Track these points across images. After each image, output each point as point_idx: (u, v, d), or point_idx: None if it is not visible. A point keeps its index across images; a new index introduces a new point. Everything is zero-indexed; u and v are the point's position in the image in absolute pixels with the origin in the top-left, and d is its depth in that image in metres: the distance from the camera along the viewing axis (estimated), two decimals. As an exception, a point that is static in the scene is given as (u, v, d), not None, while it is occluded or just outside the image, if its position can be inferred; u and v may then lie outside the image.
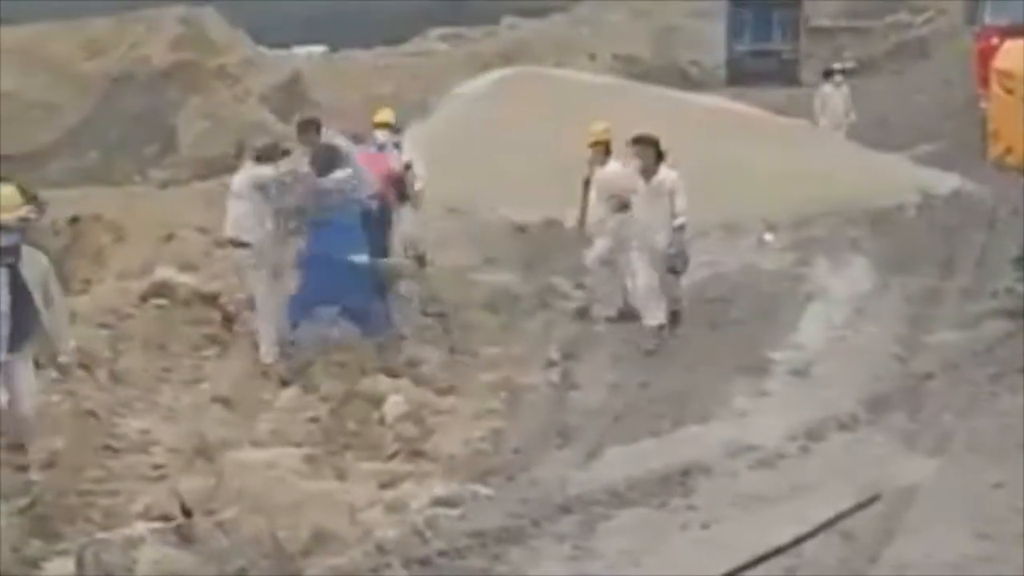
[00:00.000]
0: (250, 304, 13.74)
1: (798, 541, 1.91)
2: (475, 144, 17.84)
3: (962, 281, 15.09)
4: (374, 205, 13.86)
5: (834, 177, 18.09)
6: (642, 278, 13.58)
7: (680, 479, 10.01)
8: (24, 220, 10.27)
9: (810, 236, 16.98)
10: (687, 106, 19.63)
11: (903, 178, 19.38)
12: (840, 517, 1.96)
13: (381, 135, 15.38)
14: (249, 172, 13.49)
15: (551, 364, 13.03)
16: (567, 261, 16.12)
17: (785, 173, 17.79)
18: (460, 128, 18.51)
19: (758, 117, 19.87)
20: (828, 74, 23.67)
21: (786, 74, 32.94)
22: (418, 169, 15.39)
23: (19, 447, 10.30)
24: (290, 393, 12.56)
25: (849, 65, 32.73)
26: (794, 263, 15.98)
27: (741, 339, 13.45)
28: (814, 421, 11.03)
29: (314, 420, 11.92)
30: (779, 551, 1.87)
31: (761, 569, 8.18)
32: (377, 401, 12.15)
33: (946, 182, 19.53)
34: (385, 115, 15.86)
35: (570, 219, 14.62)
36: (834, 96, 22.90)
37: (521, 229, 16.88)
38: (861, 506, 2.25)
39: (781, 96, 25.79)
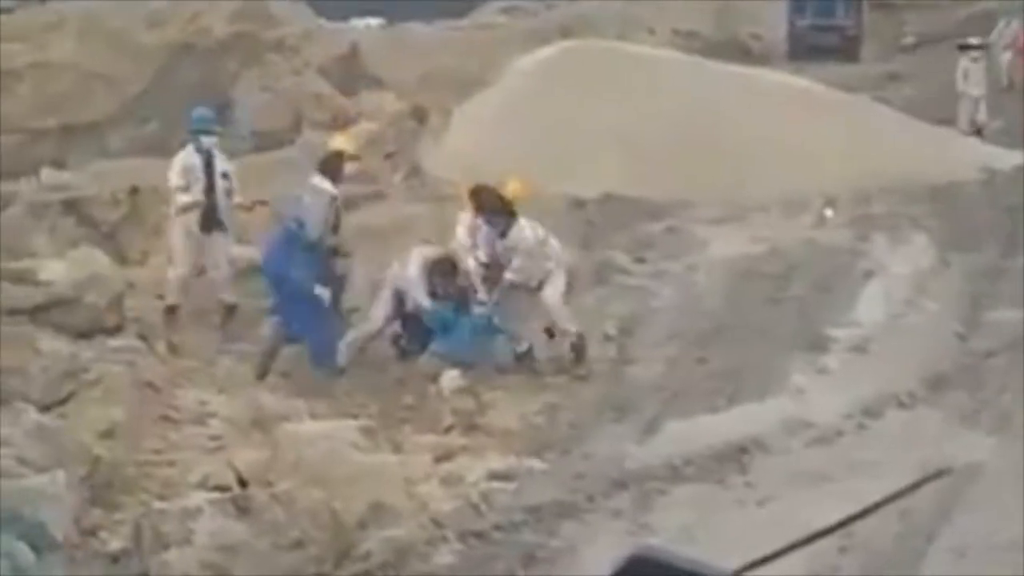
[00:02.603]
0: None
1: (859, 516, 1.90)
2: (534, 118, 17.77)
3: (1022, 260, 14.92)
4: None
5: (895, 153, 17.92)
6: None
7: (737, 456, 9.96)
8: None
9: (870, 212, 16.84)
10: (749, 81, 19.48)
11: (966, 154, 19.18)
12: (904, 492, 1.95)
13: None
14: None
15: (608, 339, 12.99)
16: (625, 236, 16.06)
17: (846, 149, 17.64)
18: (519, 102, 18.45)
19: (820, 92, 19.70)
20: (964, 48, 23.32)
21: (848, 50, 32.67)
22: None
23: None
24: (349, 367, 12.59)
25: (909, 41, 32.44)
26: (854, 239, 15.85)
27: (799, 315, 13.36)
28: (872, 399, 10.95)
29: (371, 393, 11.95)
30: (837, 527, 1.85)
31: (818, 547, 8.12)
32: (433, 375, 12.16)
33: (1010, 158, 19.32)
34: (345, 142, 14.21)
35: None
36: (974, 70, 22.66)
37: (579, 204, 16.82)
38: (927, 480, 2.23)
39: (843, 71, 25.56)
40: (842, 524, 1.69)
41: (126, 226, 16.27)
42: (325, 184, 12.92)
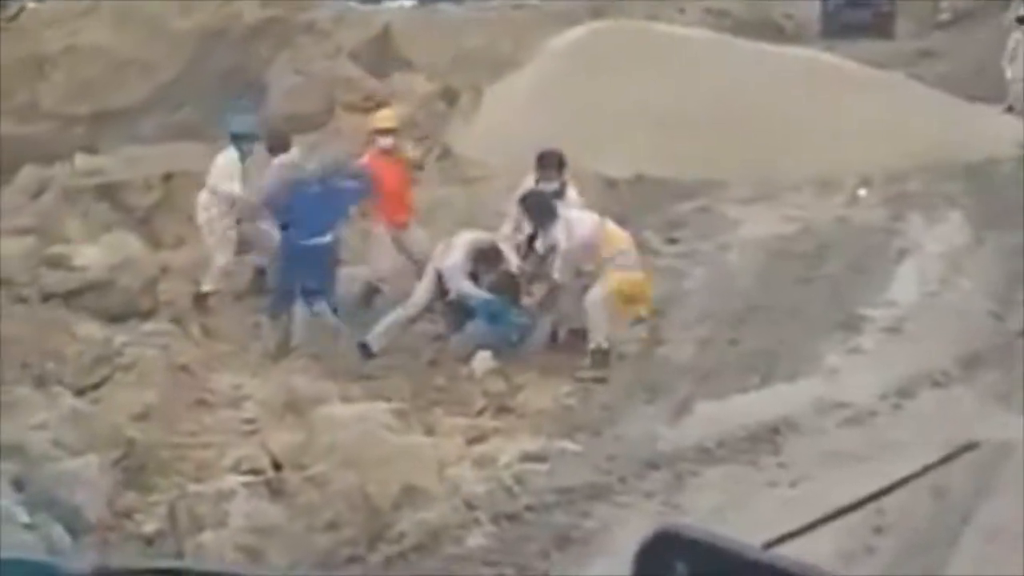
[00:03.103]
0: None
1: (891, 489, 1.88)
2: (565, 99, 17.73)
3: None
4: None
5: (930, 131, 17.80)
6: None
7: (769, 436, 9.95)
8: None
9: (904, 190, 16.73)
10: (781, 59, 19.38)
11: (1001, 131, 19.03)
12: (935, 465, 1.92)
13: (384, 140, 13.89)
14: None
15: (639, 320, 12.96)
16: (656, 217, 16.01)
17: (880, 127, 17.53)
18: (550, 83, 18.41)
19: (854, 70, 19.58)
20: (1021, 20, 22.87)
21: (882, 27, 32.40)
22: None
23: None
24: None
25: (945, 17, 32.15)
26: (888, 218, 15.76)
27: (832, 295, 13.30)
28: (906, 378, 10.91)
29: (404, 375, 11.96)
30: (868, 500, 1.84)
31: (853, 526, 8.11)
32: (465, 357, 12.16)
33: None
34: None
35: None
36: None
37: (611, 184, 16.78)
38: (958, 453, 2.21)
39: (876, 48, 25.38)
40: (874, 497, 1.68)
41: (159, 211, 16.31)
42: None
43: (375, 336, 12.44)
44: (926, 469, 1.66)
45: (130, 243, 14.32)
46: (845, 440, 9.74)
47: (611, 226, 12.49)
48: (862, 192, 16.90)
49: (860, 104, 17.99)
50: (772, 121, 17.16)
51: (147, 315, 13.05)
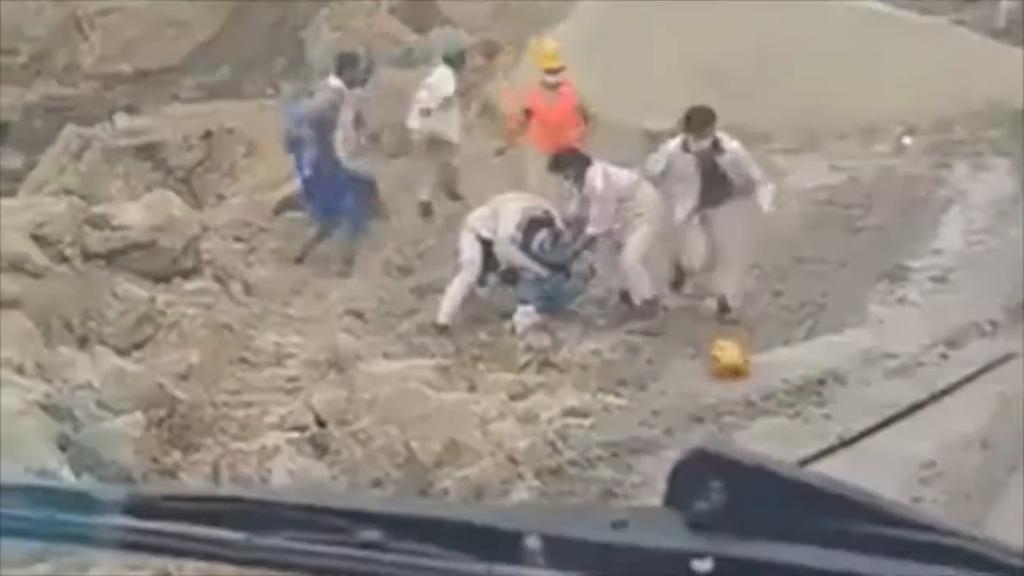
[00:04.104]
0: None
1: (926, 402, 1.84)
2: (607, 53, 17.58)
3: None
4: None
5: (974, 77, 17.57)
6: None
7: (815, 388, 9.87)
8: None
9: (950, 138, 16.53)
10: (823, 7, 19.16)
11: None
12: (972, 376, 1.89)
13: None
14: None
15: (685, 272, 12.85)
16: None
17: (925, 74, 17.32)
18: (592, 37, 18.26)
19: (896, 16, 19.35)
20: None
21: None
22: None
23: None
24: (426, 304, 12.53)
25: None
26: (933, 166, 15.59)
27: (878, 245, 13.17)
28: (953, 329, 10.80)
29: (445, 331, 11.90)
30: (904, 414, 1.80)
31: (900, 477, 8.05)
32: (507, 312, 12.09)
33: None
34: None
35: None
36: None
37: (654, 137, 16.64)
38: (994, 365, 2.16)
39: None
40: (909, 411, 1.68)
41: (200, 170, 16.31)
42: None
43: (445, 314, 12.00)
44: (967, 379, 1.62)
45: (171, 202, 14.29)
46: (892, 391, 9.63)
47: (647, 188, 12.24)
48: (907, 140, 16.72)
49: (904, 51, 17.78)
50: (815, 70, 16.97)
51: (189, 274, 13.03)
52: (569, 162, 12.32)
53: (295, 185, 14.46)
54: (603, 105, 15.10)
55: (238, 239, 14.03)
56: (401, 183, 14.76)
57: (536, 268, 12.09)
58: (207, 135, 16.55)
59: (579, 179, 12.13)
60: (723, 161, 11.69)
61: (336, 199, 13.75)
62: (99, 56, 20.91)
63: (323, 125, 13.68)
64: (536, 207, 12.32)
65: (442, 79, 14.62)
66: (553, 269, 12.15)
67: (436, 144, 14.52)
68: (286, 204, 14.52)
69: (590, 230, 12.10)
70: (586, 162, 12.20)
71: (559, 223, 12.24)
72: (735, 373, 10.33)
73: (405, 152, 15.37)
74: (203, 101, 18.74)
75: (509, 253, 12.13)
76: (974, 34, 19.83)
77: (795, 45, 17.38)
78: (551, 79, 14.07)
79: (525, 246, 12.11)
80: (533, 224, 12.16)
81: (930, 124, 16.80)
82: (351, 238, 13.77)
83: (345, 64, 14.26)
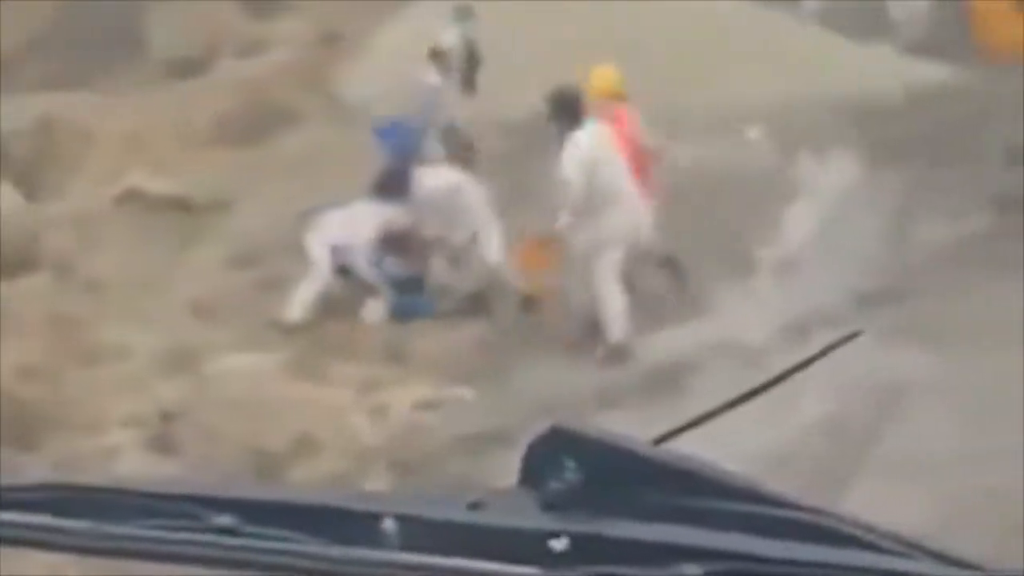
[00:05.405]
0: None
1: (773, 383, 1.83)
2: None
3: (951, 173, 14.91)
4: None
5: (819, 68, 17.86)
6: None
7: (667, 378, 9.92)
8: None
9: (795, 128, 16.75)
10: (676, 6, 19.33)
11: (890, 68, 19.13)
12: (817, 356, 1.89)
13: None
14: None
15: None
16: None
17: (771, 66, 17.55)
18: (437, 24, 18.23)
19: (740, 9, 19.58)
20: None
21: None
22: None
23: None
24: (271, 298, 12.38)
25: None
26: (779, 157, 15.78)
27: (726, 236, 13.28)
28: (800, 318, 10.91)
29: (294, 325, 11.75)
30: (753, 394, 1.80)
31: (748, 463, 8.09)
32: (356, 305, 11.97)
33: (934, 72, 19.26)
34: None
35: None
36: None
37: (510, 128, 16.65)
38: (840, 343, 2.19)
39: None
40: (758, 391, 1.81)
41: (39, 162, 15.92)
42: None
43: (293, 315, 11.76)
44: (812, 359, 1.63)
45: (9, 195, 13.98)
46: (743, 381, 9.67)
47: (471, 187, 12.06)
48: (753, 133, 16.91)
49: (751, 43, 18.01)
50: (658, 62, 17.09)
51: (29, 268, 12.72)
52: (390, 184, 12.15)
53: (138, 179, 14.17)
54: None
55: (78, 231, 13.71)
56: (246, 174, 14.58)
57: (387, 290, 11.90)
58: (44, 125, 16.18)
59: (402, 196, 11.98)
60: None
61: None
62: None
63: None
64: (394, 219, 12.09)
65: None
66: (406, 287, 11.98)
67: None
68: None
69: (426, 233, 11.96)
70: (407, 180, 12.04)
71: (418, 236, 12.06)
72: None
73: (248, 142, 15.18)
74: (40, 92, 18.31)
75: (361, 269, 11.97)
76: (819, 28, 20.16)
77: (641, 37, 17.48)
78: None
79: (378, 262, 11.96)
80: (389, 239, 11.98)
81: (776, 116, 17.01)
82: None
83: None
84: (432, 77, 13.94)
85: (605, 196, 11.29)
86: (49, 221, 13.97)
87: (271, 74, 17.41)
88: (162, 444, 9.32)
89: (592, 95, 11.93)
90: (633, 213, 11.40)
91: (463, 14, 15.19)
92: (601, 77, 12.26)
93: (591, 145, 11.37)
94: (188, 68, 18.17)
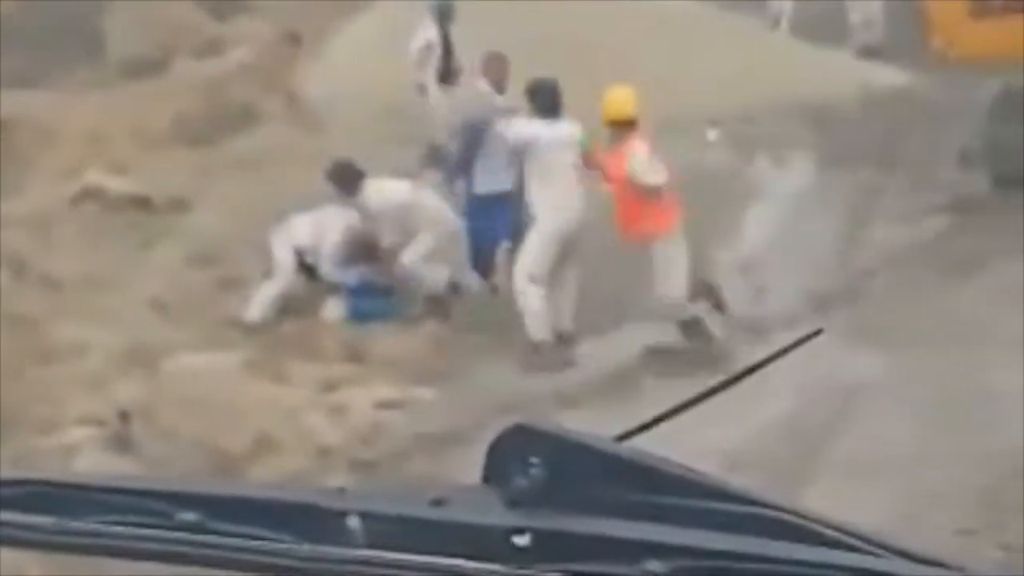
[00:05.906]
0: None
1: (732, 381, 1.85)
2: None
3: (905, 176, 15.02)
4: None
5: (777, 73, 17.94)
6: None
7: (626, 380, 9.96)
8: None
9: (753, 132, 16.83)
10: (630, 3, 19.37)
11: (846, 73, 19.23)
12: (780, 353, 1.91)
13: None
14: None
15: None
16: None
17: (730, 70, 17.62)
18: (399, 23, 18.21)
19: (703, 15, 19.64)
20: None
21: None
22: None
23: None
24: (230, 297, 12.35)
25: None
26: (736, 160, 15.85)
27: (685, 238, 13.30)
28: (758, 320, 10.97)
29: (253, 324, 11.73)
30: (714, 392, 1.83)
31: (704, 463, 8.12)
32: (315, 303, 11.95)
33: (889, 76, 19.39)
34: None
35: None
36: None
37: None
38: (803, 340, 2.20)
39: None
40: (717, 389, 1.83)
41: (-5, 159, 15.82)
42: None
43: (253, 315, 11.75)
44: (775, 355, 1.64)
45: (-35, 193, 13.90)
46: (700, 382, 9.74)
47: (427, 198, 12.05)
48: (712, 135, 16.96)
49: (709, 47, 18.07)
50: (620, 64, 17.13)
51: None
52: (341, 175, 11.92)
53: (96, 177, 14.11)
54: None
55: (35, 230, 13.63)
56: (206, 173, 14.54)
57: (348, 293, 11.86)
58: (2, 125, 16.08)
59: (352, 194, 11.82)
60: None
61: None
62: None
63: None
64: (362, 232, 11.97)
65: None
66: (369, 291, 11.96)
67: None
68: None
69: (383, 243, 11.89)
70: (359, 176, 11.88)
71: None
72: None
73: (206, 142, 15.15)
74: (-3, 89, 18.19)
75: (326, 273, 11.95)
76: (776, 32, 20.27)
77: (602, 39, 17.52)
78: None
79: (343, 264, 11.93)
80: (356, 245, 11.94)
81: (734, 118, 17.07)
82: None
83: None
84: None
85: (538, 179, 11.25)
86: (6, 219, 13.87)
87: (230, 74, 17.37)
88: (120, 443, 9.26)
89: (605, 123, 11.51)
90: (566, 210, 11.25)
91: (445, 14, 15.06)
92: (614, 102, 11.53)
93: (539, 130, 11.33)
94: (147, 67, 18.10)
